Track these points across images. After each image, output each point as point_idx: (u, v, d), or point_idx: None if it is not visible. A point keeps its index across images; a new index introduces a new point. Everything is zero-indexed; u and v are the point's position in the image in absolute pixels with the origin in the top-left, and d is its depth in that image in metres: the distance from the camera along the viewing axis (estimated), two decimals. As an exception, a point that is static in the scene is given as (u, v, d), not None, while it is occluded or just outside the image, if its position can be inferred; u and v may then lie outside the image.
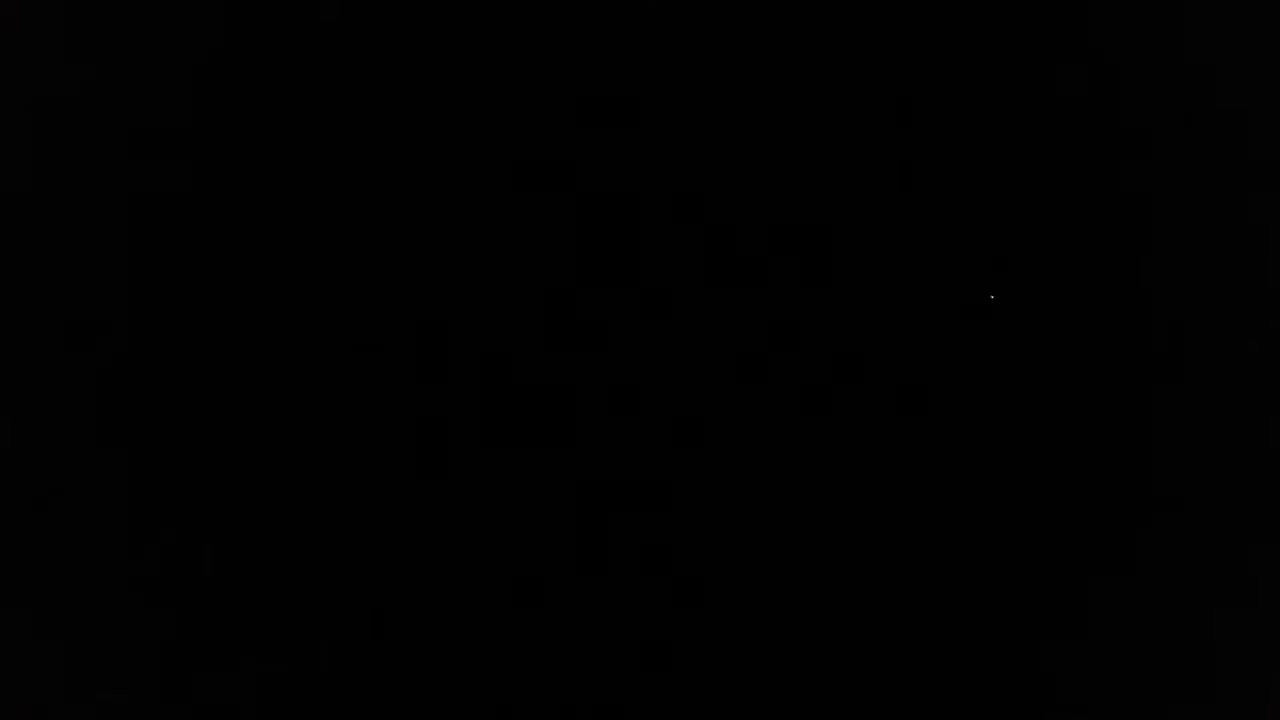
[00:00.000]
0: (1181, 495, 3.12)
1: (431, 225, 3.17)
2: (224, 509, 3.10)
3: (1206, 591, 3.11)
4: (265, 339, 3.14)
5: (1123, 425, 3.14)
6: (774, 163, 3.20)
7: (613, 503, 3.13)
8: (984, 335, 3.16)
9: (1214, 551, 3.11)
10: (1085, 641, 3.10)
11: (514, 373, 3.15)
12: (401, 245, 3.17)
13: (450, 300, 3.16)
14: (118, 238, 3.14)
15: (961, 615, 3.11)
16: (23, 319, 3.12)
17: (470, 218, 3.18)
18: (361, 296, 3.15)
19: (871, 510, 3.14)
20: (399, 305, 3.15)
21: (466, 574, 3.12)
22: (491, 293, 3.16)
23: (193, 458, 3.11)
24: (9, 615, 3.07)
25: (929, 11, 3.21)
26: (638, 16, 3.20)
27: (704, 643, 3.11)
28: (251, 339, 3.14)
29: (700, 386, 3.17)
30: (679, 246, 3.18)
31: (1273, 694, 3.08)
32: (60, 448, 3.10)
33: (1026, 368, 3.16)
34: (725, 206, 3.18)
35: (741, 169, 3.19)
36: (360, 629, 3.10)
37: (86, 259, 3.13)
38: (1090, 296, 3.16)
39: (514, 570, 3.11)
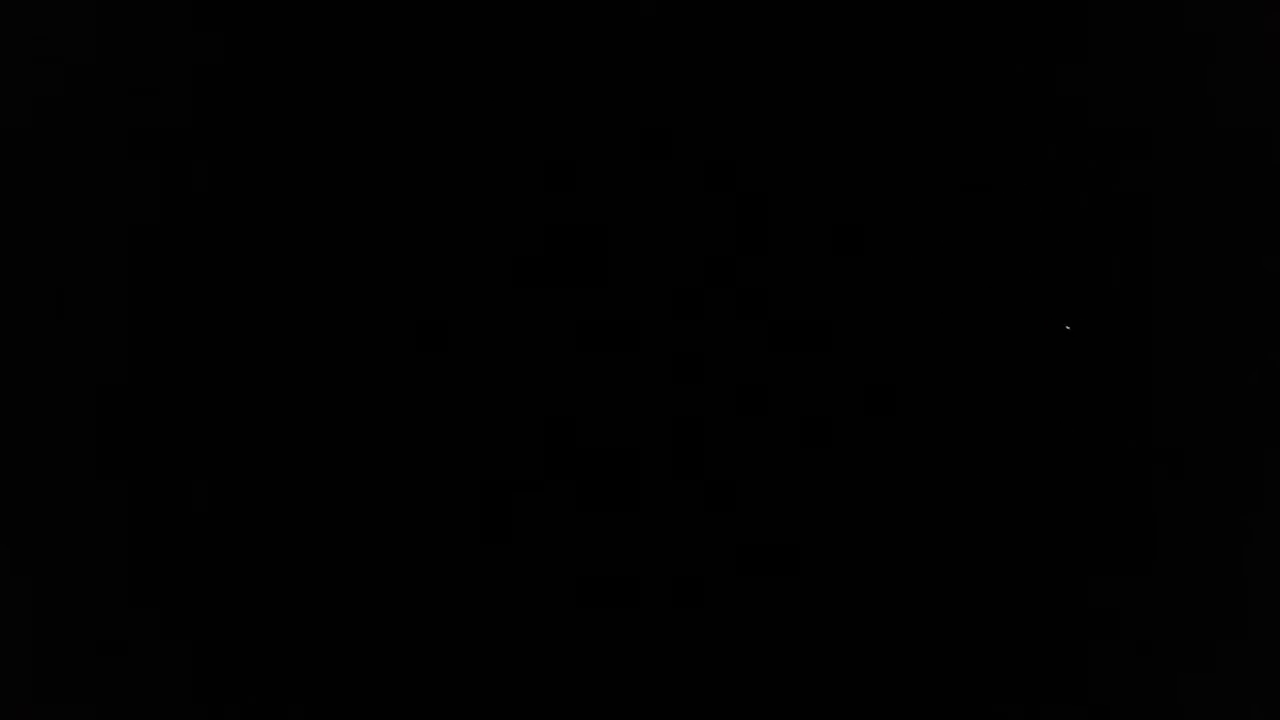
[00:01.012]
0: (1181, 497, 3.13)
1: (436, 225, 3.18)
2: (226, 511, 3.11)
3: (1205, 594, 3.12)
4: (266, 342, 3.14)
5: (1124, 428, 3.15)
6: (778, 168, 3.20)
7: (612, 504, 3.14)
8: (984, 337, 3.16)
9: (1213, 555, 3.12)
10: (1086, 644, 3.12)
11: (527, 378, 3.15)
12: (404, 249, 3.17)
13: (452, 302, 3.16)
14: (117, 238, 3.14)
15: (964, 618, 3.12)
16: (21, 319, 3.12)
17: (480, 222, 3.18)
18: (369, 301, 3.15)
19: (877, 513, 3.15)
20: (399, 308, 3.15)
21: (467, 576, 3.12)
22: (499, 299, 3.17)
23: (192, 461, 3.12)
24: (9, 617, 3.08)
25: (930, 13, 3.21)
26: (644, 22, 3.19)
27: (704, 644, 3.12)
28: (253, 342, 3.13)
29: (703, 385, 3.17)
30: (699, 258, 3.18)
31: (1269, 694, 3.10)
32: (60, 449, 3.10)
33: (1026, 370, 3.16)
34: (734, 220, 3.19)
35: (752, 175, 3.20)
36: (361, 635, 3.11)
37: (86, 260, 3.13)
38: (1092, 299, 3.16)
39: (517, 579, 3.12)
